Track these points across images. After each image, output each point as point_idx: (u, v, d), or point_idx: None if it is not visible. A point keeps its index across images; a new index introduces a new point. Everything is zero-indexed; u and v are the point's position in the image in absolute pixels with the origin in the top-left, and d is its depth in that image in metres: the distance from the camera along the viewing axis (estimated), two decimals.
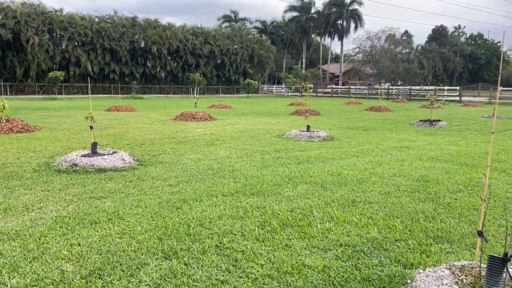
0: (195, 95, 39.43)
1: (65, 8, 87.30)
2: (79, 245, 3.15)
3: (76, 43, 39.38)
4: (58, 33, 39.20)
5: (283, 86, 55.32)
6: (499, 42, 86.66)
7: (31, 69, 37.07)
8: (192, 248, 3.10)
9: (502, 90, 42.21)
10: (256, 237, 3.35)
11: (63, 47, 39.80)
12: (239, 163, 6.52)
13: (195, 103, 15.34)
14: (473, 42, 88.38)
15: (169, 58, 45.32)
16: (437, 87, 45.69)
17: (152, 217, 3.81)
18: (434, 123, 13.12)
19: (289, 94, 50.24)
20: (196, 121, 13.56)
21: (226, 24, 59.72)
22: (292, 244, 3.21)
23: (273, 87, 61.60)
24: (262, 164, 6.45)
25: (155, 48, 43.22)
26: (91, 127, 6.46)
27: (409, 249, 3.19)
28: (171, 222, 3.65)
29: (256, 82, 46.81)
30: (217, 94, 48.65)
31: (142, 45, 43.69)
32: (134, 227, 3.52)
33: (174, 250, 3.06)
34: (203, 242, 3.22)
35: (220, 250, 3.09)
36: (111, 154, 6.53)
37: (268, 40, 55.63)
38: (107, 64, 41.91)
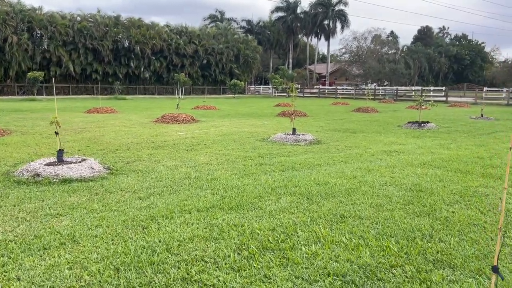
0: (180, 95, 38.76)
1: (46, 7, 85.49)
2: (18, 279, 2.64)
3: (57, 43, 38.28)
4: (38, 32, 38.07)
5: (270, 86, 54.94)
6: (483, 43, 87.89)
7: (10, 69, 35.89)
8: (153, 283, 2.62)
9: (487, 90, 42.58)
10: (231, 265, 2.88)
11: (44, 46, 38.66)
12: (219, 171, 6.04)
13: (177, 104, 14.80)
14: (457, 42, 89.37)
15: (153, 58, 44.50)
16: (423, 88, 45.88)
17: (112, 239, 3.32)
18: (422, 125, 12.85)
19: (276, 94, 49.89)
20: (178, 123, 13.02)
21: (212, 24, 59.08)
22: (272, 274, 2.75)
23: (260, 87, 61.19)
24: (244, 172, 5.99)
25: (138, 48, 42.36)
26: (56, 133, 5.91)
27: (407, 277, 2.77)
28: (134, 247, 3.16)
29: (242, 82, 46.30)
30: (203, 94, 48.01)
31: (126, 44, 42.76)
32: (89, 254, 3.02)
33: (131, 285, 2.57)
34: (168, 274, 2.73)
35: (187, 283, 2.62)
36: (79, 162, 5.99)
37: (254, 40, 55.18)
38: (89, 64, 40.90)
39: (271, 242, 3.30)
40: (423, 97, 15.16)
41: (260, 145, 8.80)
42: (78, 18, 40.64)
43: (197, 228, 3.60)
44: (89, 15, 41.59)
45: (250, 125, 13.03)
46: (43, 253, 3.03)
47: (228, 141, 9.26)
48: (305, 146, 8.77)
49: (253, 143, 9.02)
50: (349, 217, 3.98)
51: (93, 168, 5.78)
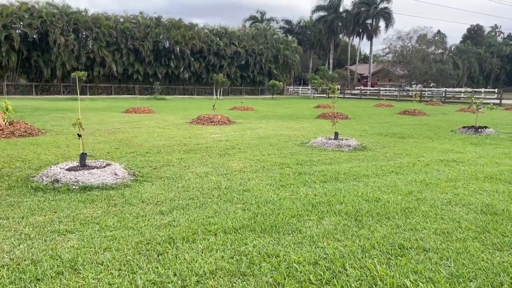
0: (218, 96, 38.62)
1: (92, 9, 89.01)
2: None
3: (101, 43, 39.30)
4: (83, 33, 39.24)
5: (309, 87, 53.82)
6: None
7: (56, 69, 37.22)
8: None
9: None
10: None
11: (89, 47, 39.83)
12: (253, 181, 5.39)
13: (213, 105, 14.34)
14: (510, 42, 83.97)
15: (192, 58, 44.70)
16: (474, 90, 43.10)
17: (120, 269, 2.75)
18: (480, 130, 11.60)
19: (315, 95, 48.76)
20: (214, 125, 12.54)
21: (252, 25, 58.74)
22: None
23: (298, 88, 60.20)
24: (280, 183, 5.31)
25: (178, 48, 42.68)
26: (79, 135, 5.50)
27: None
28: (142, 281, 2.57)
29: (281, 83, 45.54)
30: (241, 95, 47.75)
31: (166, 45, 43.22)
32: None
33: None
34: None
35: None
36: (103, 167, 5.55)
37: (294, 41, 54.25)
38: (131, 65, 41.70)
39: (312, 283, 2.60)
40: (481, 99, 13.78)
41: (298, 150, 8.08)
42: (121, 20, 41.54)
43: (222, 257, 2.96)
44: (131, 16, 42.42)
45: (288, 128, 12.32)
46: (34, 285, 2.51)
47: (264, 145, 8.61)
48: (349, 152, 7.95)
49: (291, 148, 8.32)
50: (410, 248, 3.20)
51: (116, 174, 5.32)
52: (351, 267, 2.84)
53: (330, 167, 6.45)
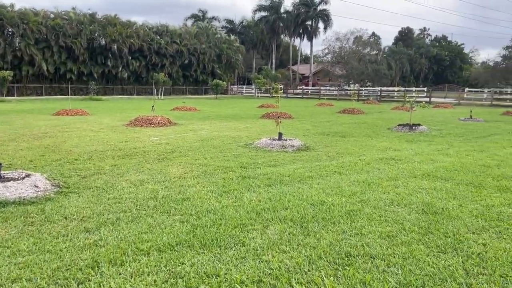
0: (159, 96, 37.41)
1: (19, 4, 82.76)
2: None
3: (29, 41, 36.41)
4: (9, 30, 36.13)
5: (253, 87, 54.02)
6: (462, 44, 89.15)
7: None
8: None
9: (468, 91, 42.71)
10: None
11: (16, 45, 36.73)
12: (193, 188, 5.05)
13: (152, 106, 13.69)
14: (437, 44, 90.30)
15: (131, 57, 42.95)
16: (406, 88, 45.74)
17: None
18: (414, 127, 12.13)
19: (259, 95, 49.03)
20: (153, 126, 11.94)
21: (194, 23, 57.74)
22: None
23: (242, 88, 60.22)
24: (223, 189, 5.02)
25: (115, 46, 40.76)
26: None
27: None
28: None
29: (224, 82, 45.25)
30: (184, 95, 46.74)
31: (102, 43, 41.11)
32: None
33: None
34: None
35: None
36: (22, 178, 4.91)
37: (237, 40, 54.18)
38: (63, 63, 39.11)
39: None
40: (414, 98, 14.48)
41: (243, 152, 7.84)
42: (52, 16, 38.85)
43: (155, 281, 2.61)
44: (63, 12, 39.80)
45: (232, 129, 12.06)
46: None
47: (207, 148, 8.27)
48: (293, 153, 7.85)
49: (235, 150, 8.06)
50: (357, 256, 3.07)
51: (37, 186, 4.72)
52: (298, 283, 2.63)
53: (274, 169, 6.28)
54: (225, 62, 51.78)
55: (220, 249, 3.15)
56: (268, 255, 3.06)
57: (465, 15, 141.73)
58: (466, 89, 44.12)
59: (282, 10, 63.70)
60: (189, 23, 58.25)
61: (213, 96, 44.12)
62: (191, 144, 8.82)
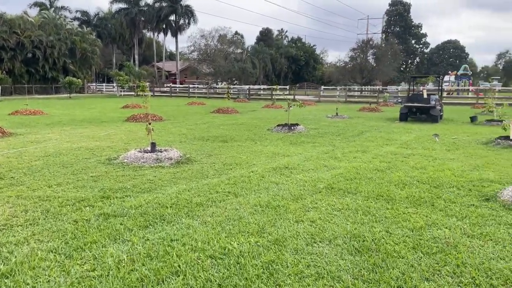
0: None
1: None
2: None
3: None
4: None
5: (114, 84, 49.47)
6: (314, 45, 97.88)
7: None
8: None
9: (324, 89, 46.56)
10: None
11: None
12: (23, 247, 3.24)
13: None
14: (294, 44, 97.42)
15: None
16: (271, 87, 47.64)
17: None
18: (292, 127, 11.78)
19: (122, 94, 45.04)
20: None
21: (39, 12, 49.99)
22: None
23: (102, 85, 54.72)
24: (73, 243, 3.33)
25: None
26: None
27: None
28: None
29: (79, 80, 40.12)
30: (30, 95, 39.93)
31: None
32: None
33: None
34: None
35: None
36: None
37: (92, 33, 48.78)
38: None
39: None
40: (291, 97, 14.24)
41: (105, 171, 6.05)
42: None
43: None
44: None
45: (90, 138, 9.86)
46: None
47: (53, 168, 6.20)
48: (172, 168, 6.39)
49: (94, 169, 6.20)
50: None
51: None
52: None
53: (151, 196, 4.75)
54: (79, 57, 46.11)
55: None
56: None
57: (316, 18, 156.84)
58: (322, 87, 48.01)
59: (143, 3, 60.03)
60: (34, 12, 50.27)
61: (66, 95, 38.68)
62: (30, 163, 6.57)
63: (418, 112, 15.52)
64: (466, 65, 54.43)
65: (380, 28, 76.90)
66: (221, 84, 56.03)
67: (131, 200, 4.58)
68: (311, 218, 4.02)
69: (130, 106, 21.39)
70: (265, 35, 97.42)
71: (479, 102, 28.05)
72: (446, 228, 3.79)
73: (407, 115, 15.58)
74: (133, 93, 41.63)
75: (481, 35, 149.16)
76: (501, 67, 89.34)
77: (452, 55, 79.00)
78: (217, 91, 46.60)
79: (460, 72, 51.68)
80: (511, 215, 4.18)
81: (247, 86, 44.90)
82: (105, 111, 19.60)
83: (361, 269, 2.91)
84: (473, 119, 15.53)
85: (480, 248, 3.30)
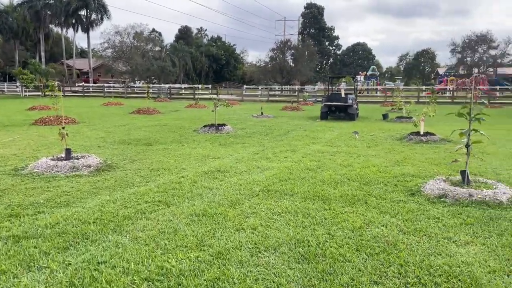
0: None
1: None
2: None
3: None
4: None
5: (18, 84, 44.69)
6: (234, 45, 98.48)
7: None
8: None
9: (246, 88, 47.00)
10: None
11: None
12: None
13: None
14: (214, 43, 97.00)
15: None
16: (193, 86, 46.84)
17: None
18: (220, 128, 11.55)
19: (27, 94, 40.89)
20: None
21: None
22: None
23: (3, 85, 49.18)
24: None
25: None
26: None
27: None
28: None
29: None
30: None
31: None
32: None
33: None
34: None
35: None
36: None
37: None
38: None
39: None
40: (217, 97, 14.02)
41: (11, 184, 5.26)
42: None
43: None
44: None
45: None
46: None
47: None
48: (92, 177, 5.77)
49: None
50: None
51: None
52: None
53: (69, 211, 4.19)
54: None
55: None
56: None
57: (235, 18, 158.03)
58: (245, 86, 48.43)
59: None
60: None
61: None
62: None
63: (337, 110, 16.27)
64: (374, 66, 59.01)
65: (296, 29, 79.92)
66: (140, 83, 53.73)
67: (46, 218, 3.99)
68: (252, 225, 3.84)
69: (37, 107, 19.38)
70: (184, 33, 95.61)
71: (387, 100, 30.45)
72: (383, 226, 3.86)
73: (327, 114, 16.24)
74: (39, 93, 38.02)
75: (384, 38, 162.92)
76: (402, 68, 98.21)
77: (361, 56, 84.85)
78: (135, 91, 44.54)
79: (369, 72, 55.83)
80: (436, 209, 4.42)
81: (167, 85, 43.61)
82: (8, 113, 17.49)
83: (311, 278, 2.80)
84: (385, 116, 16.70)
85: (417, 245, 3.40)
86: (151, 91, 41.42)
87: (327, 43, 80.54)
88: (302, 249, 3.29)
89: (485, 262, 3.07)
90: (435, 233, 3.69)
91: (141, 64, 54.98)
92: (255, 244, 3.39)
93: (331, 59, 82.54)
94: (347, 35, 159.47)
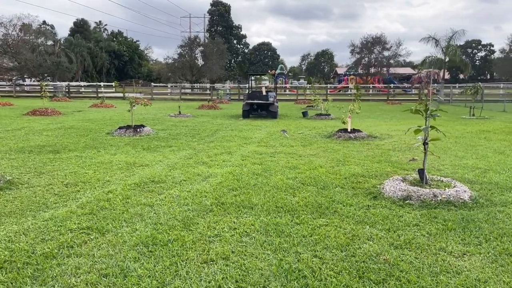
0: None
1: None
2: None
3: None
4: None
5: None
6: (137, 41, 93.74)
7: None
8: None
9: (155, 86, 44.74)
10: None
11: None
12: None
13: None
14: (114, 39, 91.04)
15: None
16: (93, 84, 43.10)
17: None
18: (138, 129, 10.34)
19: None
20: None
21: None
22: None
23: None
24: None
25: None
26: None
27: None
28: None
29: None
30: None
31: None
32: None
33: None
34: None
35: None
36: None
37: None
38: None
39: None
40: (133, 98, 12.66)
41: None
42: None
43: None
44: None
45: None
46: None
47: None
48: None
49: None
50: None
51: None
52: None
53: None
54: None
55: None
56: None
57: (137, 11, 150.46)
58: (153, 84, 46.06)
59: None
60: None
61: None
62: None
63: (259, 109, 15.94)
64: (282, 65, 60.77)
65: (202, 27, 78.82)
66: (30, 80, 47.88)
67: None
68: (221, 254, 3.07)
69: None
70: (80, 27, 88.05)
71: (299, 98, 31.34)
72: (369, 240, 3.40)
73: (249, 112, 15.81)
74: None
75: (285, 39, 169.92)
76: (304, 67, 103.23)
77: (266, 55, 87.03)
78: (26, 89, 39.52)
79: (277, 71, 57.30)
80: (408, 213, 4.12)
81: (65, 83, 39.44)
82: None
83: None
84: (304, 114, 16.85)
85: (418, 262, 2.98)
86: (46, 89, 37.10)
87: (235, 41, 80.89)
88: (297, 283, 2.64)
89: (496, 277, 2.75)
90: (426, 244, 3.33)
91: (31, 60, 48.91)
92: (237, 282, 2.65)
93: (240, 57, 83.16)
94: (250, 34, 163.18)
